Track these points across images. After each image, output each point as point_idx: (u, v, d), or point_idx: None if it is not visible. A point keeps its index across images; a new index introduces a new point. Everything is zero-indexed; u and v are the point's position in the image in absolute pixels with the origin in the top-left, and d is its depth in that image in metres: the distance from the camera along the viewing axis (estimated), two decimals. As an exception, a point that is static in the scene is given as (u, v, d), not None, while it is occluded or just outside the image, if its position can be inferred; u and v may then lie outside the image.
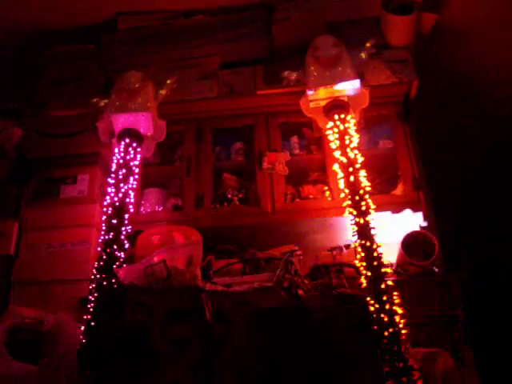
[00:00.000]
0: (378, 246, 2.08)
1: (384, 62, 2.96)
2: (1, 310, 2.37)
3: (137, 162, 2.47)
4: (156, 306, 2.00)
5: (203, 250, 2.30)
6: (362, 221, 2.14)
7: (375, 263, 2.04)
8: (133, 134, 2.48)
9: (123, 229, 2.26)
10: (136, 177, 2.46)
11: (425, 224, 2.59)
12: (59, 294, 2.54)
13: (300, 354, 1.95)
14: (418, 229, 2.56)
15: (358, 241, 2.12)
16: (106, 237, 2.23)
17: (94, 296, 2.08)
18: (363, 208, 2.16)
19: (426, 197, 2.71)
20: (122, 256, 2.21)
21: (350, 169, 2.26)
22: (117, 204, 2.30)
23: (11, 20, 3.33)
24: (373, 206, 2.19)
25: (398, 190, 2.75)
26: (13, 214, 2.78)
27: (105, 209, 2.33)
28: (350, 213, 2.20)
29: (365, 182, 2.24)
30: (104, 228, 2.27)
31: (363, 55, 2.64)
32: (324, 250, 2.59)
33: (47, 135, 3.00)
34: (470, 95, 3.51)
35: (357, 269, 2.16)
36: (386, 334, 1.89)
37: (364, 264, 2.06)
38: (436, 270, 2.38)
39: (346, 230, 2.56)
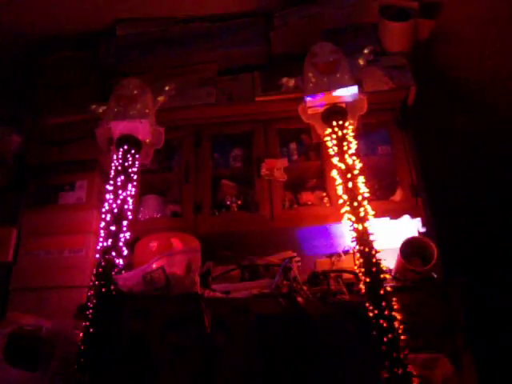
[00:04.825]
0: (376, 252, 2.08)
1: (382, 68, 2.97)
2: (-1, 317, 2.37)
3: (135, 169, 2.47)
4: (155, 313, 1.99)
5: (202, 256, 2.30)
6: (360, 227, 2.13)
7: (374, 269, 2.04)
8: (131, 141, 2.48)
9: (122, 235, 2.25)
10: (134, 183, 2.45)
11: (423, 230, 2.59)
12: (57, 300, 2.54)
13: (299, 360, 1.94)
14: (416, 235, 2.56)
15: (357, 247, 2.12)
16: (105, 243, 2.21)
17: (92, 303, 2.07)
18: (362, 214, 2.16)
19: (424, 202, 2.71)
20: (121, 263, 2.20)
21: (349, 175, 2.25)
22: (115, 211, 2.29)
23: (10, 26, 3.34)
24: (371, 212, 2.19)
25: (397, 196, 2.75)
26: (11, 221, 2.78)
27: (103, 215, 2.32)
28: (349, 219, 2.19)
29: (363, 188, 2.23)
30: (102, 235, 2.26)
31: (361, 61, 2.65)
32: (323, 256, 2.60)
33: (46, 142, 3.01)
34: (468, 100, 3.52)
35: (355, 275, 2.16)
36: (385, 339, 1.89)
37: (363, 270, 2.06)
38: (435, 275, 2.38)
39: (344, 237, 2.57)
